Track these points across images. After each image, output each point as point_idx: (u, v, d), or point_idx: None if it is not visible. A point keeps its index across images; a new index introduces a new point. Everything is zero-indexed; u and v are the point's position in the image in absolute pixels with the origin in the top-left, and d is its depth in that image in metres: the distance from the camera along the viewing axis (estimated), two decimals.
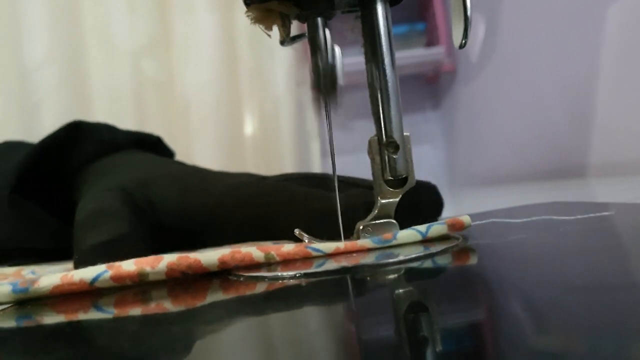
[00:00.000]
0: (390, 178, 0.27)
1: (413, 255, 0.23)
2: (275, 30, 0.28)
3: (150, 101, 1.14)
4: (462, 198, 0.92)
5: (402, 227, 0.27)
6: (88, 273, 0.23)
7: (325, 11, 0.27)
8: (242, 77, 1.17)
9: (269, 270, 0.24)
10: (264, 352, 0.14)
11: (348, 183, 0.37)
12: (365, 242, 0.26)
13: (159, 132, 1.15)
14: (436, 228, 0.27)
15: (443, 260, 0.23)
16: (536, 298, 0.16)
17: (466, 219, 0.27)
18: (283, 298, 0.21)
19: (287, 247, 0.25)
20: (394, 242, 0.26)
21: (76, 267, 0.31)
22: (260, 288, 0.22)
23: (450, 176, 1.45)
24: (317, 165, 1.18)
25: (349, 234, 0.27)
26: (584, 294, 0.15)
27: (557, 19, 0.81)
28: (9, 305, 0.24)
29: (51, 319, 0.21)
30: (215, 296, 0.22)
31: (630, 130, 0.64)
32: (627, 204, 0.35)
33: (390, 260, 0.23)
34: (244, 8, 0.27)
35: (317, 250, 0.25)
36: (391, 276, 0.22)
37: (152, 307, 0.22)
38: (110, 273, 0.23)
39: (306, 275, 0.22)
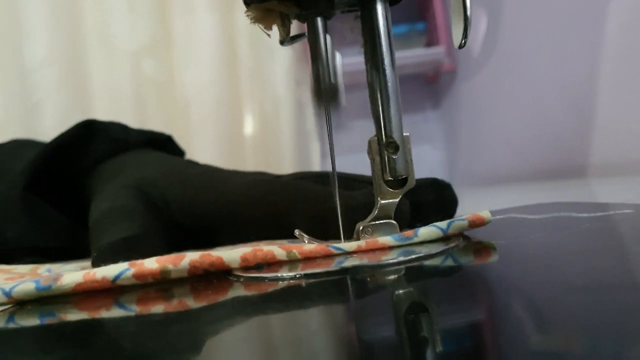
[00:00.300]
0: (390, 178, 0.27)
1: (413, 256, 0.23)
2: (275, 30, 0.28)
3: (150, 101, 1.14)
4: (463, 198, 0.92)
5: (415, 225, 0.27)
6: (110, 271, 0.24)
7: (325, 11, 0.27)
8: (242, 77, 1.17)
9: (269, 271, 0.24)
10: (264, 352, 0.14)
11: (363, 181, 0.37)
12: (386, 239, 0.26)
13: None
14: (457, 224, 0.27)
15: (447, 260, 0.23)
16: (551, 298, 0.16)
17: (486, 215, 0.27)
18: (283, 298, 0.20)
19: (309, 246, 0.26)
20: (415, 240, 0.26)
21: (94, 265, 0.31)
22: (260, 288, 0.22)
23: (451, 176, 1.45)
24: (317, 165, 1.18)
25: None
26: (600, 294, 0.15)
27: (558, 19, 0.81)
28: (10, 305, 0.24)
29: (74, 316, 0.21)
30: (215, 296, 0.22)
31: (631, 130, 0.64)
32: None
33: (391, 261, 0.23)
34: (244, 8, 0.27)
35: (339, 248, 0.25)
36: (391, 276, 0.21)
37: (150, 307, 0.22)
38: (132, 271, 0.24)
39: (306, 275, 0.22)
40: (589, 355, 0.11)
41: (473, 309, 0.16)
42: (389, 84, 0.27)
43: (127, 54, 1.13)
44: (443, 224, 0.27)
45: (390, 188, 0.27)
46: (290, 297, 0.21)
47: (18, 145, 0.56)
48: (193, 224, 0.40)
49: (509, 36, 1.00)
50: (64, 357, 0.16)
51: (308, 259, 0.25)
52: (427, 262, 0.23)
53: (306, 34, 0.28)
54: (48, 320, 0.21)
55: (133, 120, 1.11)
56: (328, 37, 0.26)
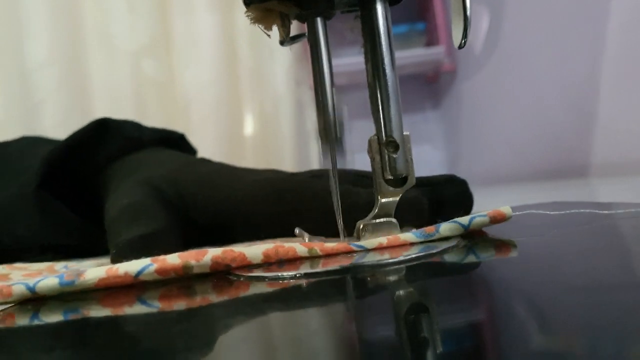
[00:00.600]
0: (390, 177, 0.27)
1: (413, 255, 0.23)
2: (275, 30, 0.28)
3: (150, 101, 1.14)
4: None
5: (430, 222, 0.27)
6: (133, 266, 0.24)
7: (325, 11, 0.27)
8: (242, 77, 1.17)
9: (269, 270, 0.24)
10: (264, 352, 0.14)
11: (372, 177, 0.37)
12: (407, 236, 0.26)
13: None
14: (478, 220, 0.27)
15: (452, 257, 0.23)
16: (574, 297, 0.16)
17: (507, 210, 0.27)
18: (283, 298, 0.21)
19: (330, 243, 0.26)
20: (437, 236, 0.26)
21: (113, 261, 0.32)
22: (260, 288, 0.22)
23: None
24: (317, 165, 1.18)
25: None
26: (623, 292, 0.15)
27: (558, 19, 0.81)
28: (11, 305, 0.24)
29: (97, 312, 0.22)
30: (215, 296, 0.22)
31: (631, 130, 0.64)
32: None
33: (390, 261, 0.23)
34: (244, 8, 0.27)
35: (360, 246, 0.26)
36: (391, 276, 0.22)
37: (150, 307, 0.22)
38: (155, 266, 0.24)
39: (306, 275, 0.22)
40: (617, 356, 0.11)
41: (481, 307, 0.16)
42: (389, 84, 0.27)
43: (127, 54, 1.13)
44: (464, 219, 0.27)
45: (391, 187, 0.27)
46: (290, 297, 0.21)
47: (29, 143, 0.56)
48: (208, 221, 0.40)
49: (510, 36, 1.00)
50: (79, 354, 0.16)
51: (329, 255, 0.25)
52: (429, 261, 0.23)
53: (306, 34, 0.28)
54: (72, 316, 0.21)
55: (133, 119, 1.10)
56: (334, 89, 0.27)
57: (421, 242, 0.26)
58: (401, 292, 0.19)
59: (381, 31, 0.27)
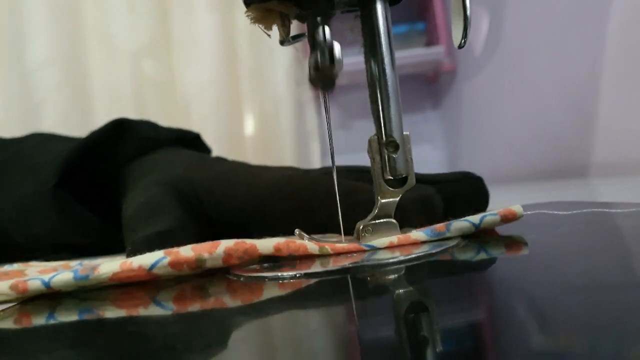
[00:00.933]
0: (390, 177, 0.27)
1: (413, 255, 0.23)
2: (275, 30, 0.28)
3: (150, 101, 1.14)
4: None
5: (447, 219, 0.27)
6: (147, 259, 0.24)
7: (325, 11, 0.27)
8: (242, 77, 1.17)
9: (269, 270, 0.24)
10: (264, 352, 0.14)
11: None
12: (418, 235, 0.26)
13: None
14: (489, 219, 0.27)
15: (463, 255, 0.23)
16: (585, 296, 0.16)
17: (518, 209, 0.27)
18: (283, 298, 0.21)
19: (341, 243, 0.26)
20: (448, 235, 0.26)
21: (129, 257, 0.32)
22: (260, 288, 0.22)
23: None
24: (317, 165, 1.18)
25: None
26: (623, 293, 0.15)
27: (558, 19, 0.81)
28: (12, 304, 0.24)
29: (112, 312, 0.22)
30: (215, 296, 0.22)
31: (631, 130, 0.64)
32: None
33: (390, 260, 0.23)
34: (244, 8, 0.27)
35: (370, 246, 0.26)
36: (391, 276, 0.21)
37: (153, 306, 0.22)
38: (168, 259, 0.24)
39: (306, 275, 0.22)
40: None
41: (489, 307, 0.16)
42: (389, 83, 0.27)
43: (127, 54, 1.13)
44: (475, 218, 0.27)
45: (390, 187, 0.27)
46: (290, 297, 0.21)
47: (42, 140, 0.57)
48: (224, 219, 0.40)
49: (510, 36, 1.00)
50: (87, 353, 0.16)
51: (339, 254, 0.25)
52: (432, 260, 0.23)
53: (306, 34, 0.28)
54: (87, 317, 0.21)
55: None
56: (327, 28, 0.26)
57: (431, 241, 0.26)
58: (401, 292, 0.19)
59: (381, 31, 0.27)
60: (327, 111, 0.27)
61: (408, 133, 0.27)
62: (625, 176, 0.61)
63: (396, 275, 0.21)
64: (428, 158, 1.46)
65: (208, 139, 1.11)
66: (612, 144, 0.69)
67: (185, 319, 0.19)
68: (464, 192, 0.35)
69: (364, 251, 0.25)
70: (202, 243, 0.25)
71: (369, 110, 0.27)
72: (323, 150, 1.20)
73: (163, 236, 0.34)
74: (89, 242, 0.47)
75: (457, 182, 0.35)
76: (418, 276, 0.21)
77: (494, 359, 0.12)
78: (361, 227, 0.27)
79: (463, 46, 0.26)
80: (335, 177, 0.28)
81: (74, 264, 0.37)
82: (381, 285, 0.21)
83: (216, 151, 1.10)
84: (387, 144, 0.27)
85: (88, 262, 0.38)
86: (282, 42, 0.28)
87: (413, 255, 0.23)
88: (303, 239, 0.28)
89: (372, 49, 0.27)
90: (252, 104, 1.18)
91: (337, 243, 0.26)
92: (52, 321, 0.21)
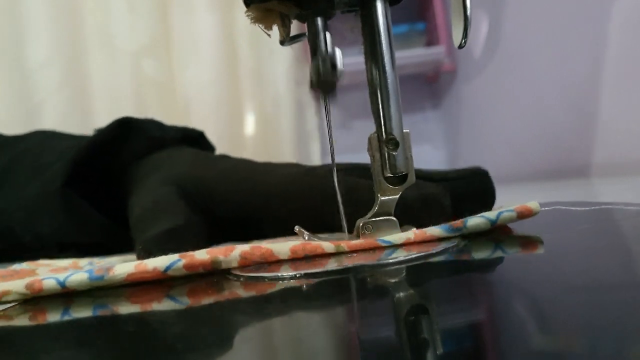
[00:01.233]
0: (390, 175, 0.27)
1: (413, 255, 0.23)
2: (275, 30, 0.28)
3: (150, 101, 1.14)
4: None
5: (461, 216, 0.27)
6: (162, 262, 0.24)
7: (325, 11, 0.27)
8: (242, 77, 1.17)
9: (269, 270, 0.24)
10: (264, 352, 0.14)
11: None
12: (435, 231, 0.26)
13: None
14: (505, 215, 0.27)
15: (477, 253, 0.23)
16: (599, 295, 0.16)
17: (534, 206, 0.27)
18: (283, 298, 0.20)
19: (357, 240, 0.26)
20: (464, 231, 0.26)
21: (139, 256, 0.32)
22: (260, 288, 0.22)
23: None
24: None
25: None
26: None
27: (558, 19, 0.81)
28: (14, 304, 0.24)
29: (126, 308, 0.22)
30: (215, 296, 0.22)
31: (632, 131, 0.64)
32: None
33: (390, 260, 0.23)
34: (244, 8, 0.27)
35: (387, 242, 0.26)
36: (391, 276, 0.21)
37: (154, 306, 0.22)
38: (183, 262, 0.24)
39: (306, 275, 0.22)
40: None
41: (498, 306, 0.16)
42: (389, 82, 0.27)
43: (127, 54, 1.13)
44: (492, 214, 0.27)
45: (390, 185, 0.27)
46: (290, 297, 0.21)
47: (45, 137, 0.57)
48: (231, 217, 0.40)
49: (510, 36, 1.00)
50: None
51: (355, 251, 0.25)
52: (431, 260, 0.23)
53: (306, 34, 0.28)
54: (101, 312, 0.22)
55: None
56: (328, 34, 0.26)
57: (448, 237, 0.26)
58: (401, 293, 0.19)
59: (381, 30, 0.27)
60: (327, 111, 0.27)
61: (408, 131, 0.27)
62: (626, 176, 0.61)
63: (396, 275, 0.21)
64: (428, 158, 1.46)
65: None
66: (612, 144, 0.69)
67: (185, 318, 0.19)
68: (471, 189, 0.34)
69: (381, 248, 0.25)
70: (218, 247, 0.25)
71: (369, 110, 0.27)
72: (323, 150, 1.20)
73: (172, 234, 0.34)
74: (95, 241, 0.47)
75: (464, 179, 0.35)
76: (418, 276, 0.21)
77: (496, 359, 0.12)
78: (361, 225, 0.27)
79: (463, 46, 0.26)
80: (335, 177, 0.28)
81: (83, 263, 0.37)
82: (381, 285, 0.21)
83: (216, 151, 1.10)
84: (387, 142, 0.27)
85: (98, 261, 0.38)
86: (282, 42, 0.29)
87: (413, 256, 0.23)
88: (303, 237, 0.28)
89: (372, 48, 0.27)
90: (252, 104, 1.18)
91: (352, 240, 0.26)
92: (67, 317, 0.21)
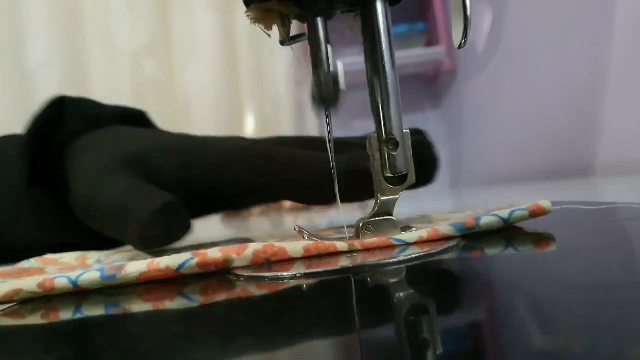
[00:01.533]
0: (389, 175, 0.27)
1: (413, 255, 0.23)
2: (275, 30, 0.28)
3: (150, 101, 1.14)
4: (463, 197, 0.92)
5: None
6: (174, 260, 0.24)
7: (325, 11, 0.27)
8: (242, 77, 1.17)
9: (269, 270, 0.24)
10: (263, 352, 0.14)
11: (350, 144, 0.37)
12: (448, 229, 0.26)
13: None
14: (518, 214, 0.27)
15: (491, 248, 0.23)
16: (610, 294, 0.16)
17: (547, 204, 0.27)
18: (283, 298, 0.20)
19: (370, 239, 0.26)
20: (477, 230, 0.26)
21: (145, 235, 0.32)
22: (260, 288, 0.22)
23: (451, 176, 1.45)
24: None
25: (353, 197, 0.27)
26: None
27: (559, 18, 0.81)
28: (14, 304, 0.24)
29: (139, 307, 0.22)
30: (215, 296, 0.22)
31: (632, 131, 0.64)
32: None
33: (391, 260, 0.23)
34: (244, 8, 0.27)
35: (400, 240, 0.26)
36: (391, 276, 0.21)
37: (156, 305, 0.22)
38: (196, 260, 0.24)
39: (306, 275, 0.22)
40: None
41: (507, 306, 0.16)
42: (389, 82, 0.27)
43: (127, 54, 1.13)
44: (505, 213, 0.27)
45: (390, 185, 0.27)
46: (290, 297, 0.21)
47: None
48: (180, 195, 0.39)
49: (510, 36, 1.00)
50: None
51: (368, 250, 0.25)
52: (431, 260, 0.23)
53: (306, 34, 0.28)
54: (114, 311, 0.22)
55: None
56: (330, 47, 0.26)
57: (408, 244, 0.26)
58: (401, 293, 0.19)
59: (381, 30, 0.27)
60: (328, 123, 0.27)
61: (408, 131, 0.27)
62: (626, 176, 0.61)
63: (396, 275, 0.21)
64: None
65: None
66: (613, 144, 0.69)
67: (184, 318, 0.19)
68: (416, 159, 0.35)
69: (394, 246, 0.26)
70: (231, 246, 0.25)
71: (369, 110, 0.27)
72: None
73: (168, 208, 0.34)
74: (69, 240, 0.44)
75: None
76: (419, 276, 0.21)
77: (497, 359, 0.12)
78: (361, 225, 0.27)
79: (463, 46, 0.26)
80: (335, 177, 0.28)
81: (92, 261, 0.36)
82: (381, 285, 0.21)
83: None
84: (387, 142, 0.27)
85: (104, 258, 0.38)
86: (282, 42, 0.29)
87: (413, 256, 0.23)
88: (303, 237, 0.28)
89: (372, 47, 0.27)
90: (252, 104, 1.18)
91: (365, 239, 0.26)
92: (79, 315, 0.21)
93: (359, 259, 0.24)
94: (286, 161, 0.37)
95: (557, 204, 0.32)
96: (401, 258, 0.23)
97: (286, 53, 1.15)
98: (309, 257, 0.25)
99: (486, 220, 0.26)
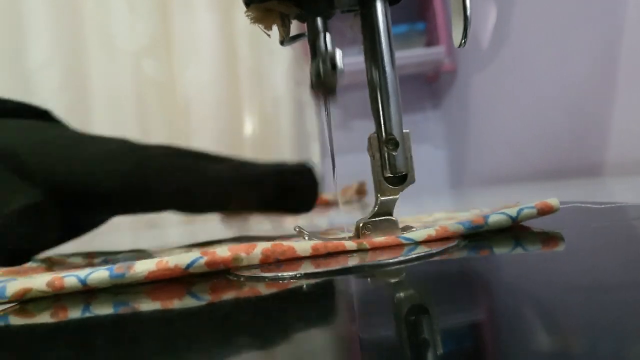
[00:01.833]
0: (389, 175, 0.27)
1: (413, 255, 0.23)
2: (275, 30, 0.28)
3: (150, 101, 1.14)
4: (463, 197, 0.92)
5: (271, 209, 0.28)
6: (183, 259, 0.24)
7: (325, 11, 0.27)
8: (242, 77, 1.17)
9: (269, 271, 0.24)
10: (263, 352, 0.14)
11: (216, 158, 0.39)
12: (456, 227, 0.26)
13: (160, 132, 1.16)
14: (526, 212, 0.27)
15: (500, 247, 0.23)
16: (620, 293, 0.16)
17: (555, 202, 0.27)
18: (283, 298, 0.20)
19: (378, 237, 0.26)
20: (485, 228, 0.26)
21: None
22: (260, 288, 0.22)
23: (451, 176, 1.45)
24: (316, 164, 1.18)
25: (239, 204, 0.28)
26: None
27: (559, 18, 0.81)
28: (14, 304, 0.24)
29: (147, 306, 0.22)
30: (215, 296, 0.22)
31: (631, 131, 0.64)
32: None
33: (391, 260, 0.23)
34: (244, 8, 0.27)
35: (409, 239, 0.26)
36: (391, 276, 0.21)
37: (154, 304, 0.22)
38: (205, 259, 0.24)
39: (306, 275, 0.22)
40: None
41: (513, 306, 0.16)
42: (389, 82, 0.27)
43: (127, 54, 1.13)
44: (513, 211, 0.27)
45: (390, 185, 0.27)
46: (290, 297, 0.21)
47: None
48: (53, 190, 0.39)
49: (511, 36, 1.00)
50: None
51: (376, 248, 0.26)
52: (431, 260, 0.23)
53: (306, 34, 0.28)
54: (122, 310, 0.22)
55: (133, 120, 1.11)
56: (328, 35, 0.26)
57: (417, 243, 0.26)
58: (401, 293, 0.19)
59: (381, 29, 0.27)
60: (327, 112, 0.27)
61: (408, 131, 0.27)
62: (626, 176, 0.61)
63: (397, 275, 0.21)
64: (428, 158, 1.46)
65: (208, 139, 1.12)
66: (613, 144, 0.69)
67: (184, 318, 0.19)
68: (298, 184, 0.35)
69: (403, 245, 0.26)
70: (240, 244, 0.25)
71: (369, 110, 0.27)
72: (323, 150, 1.21)
73: (31, 211, 0.33)
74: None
75: (293, 174, 0.36)
76: (419, 276, 0.21)
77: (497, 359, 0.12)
78: (361, 225, 0.27)
79: (463, 46, 0.26)
80: (335, 182, 0.28)
81: (99, 260, 0.36)
82: (382, 285, 0.21)
83: (216, 151, 1.10)
84: (386, 142, 0.27)
85: (112, 257, 0.38)
86: (282, 42, 0.29)
87: (414, 256, 0.23)
88: (303, 237, 0.28)
89: (371, 47, 0.27)
90: (252, 104, 1.18)
91: (373, 238, 0.26)
92: (87, 314, 0.21)
93: (367, 258, 0.24)
94: (166, 168, 0.37)
95: (564, 202, 0.32)
96: (401, 258, 0.23)
97: (286, 53, 1.15)
98: (316, 256, 0.25)
99: (495, 218, 0.26)
